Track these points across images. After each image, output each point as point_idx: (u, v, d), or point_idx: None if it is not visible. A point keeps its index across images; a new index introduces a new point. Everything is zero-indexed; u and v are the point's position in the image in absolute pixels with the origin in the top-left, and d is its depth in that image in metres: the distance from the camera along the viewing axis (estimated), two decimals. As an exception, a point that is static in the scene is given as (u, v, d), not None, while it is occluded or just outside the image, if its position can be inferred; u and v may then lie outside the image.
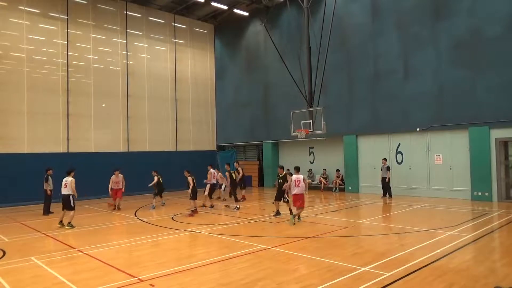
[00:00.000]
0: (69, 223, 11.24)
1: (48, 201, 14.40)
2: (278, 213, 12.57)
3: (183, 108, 24.57)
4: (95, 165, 19.32)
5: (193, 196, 13.30)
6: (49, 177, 14.29)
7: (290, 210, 11.74)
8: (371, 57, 18.44)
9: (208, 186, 15.95)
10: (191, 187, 13.31)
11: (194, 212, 13.31)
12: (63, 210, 11.38)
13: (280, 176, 12.29)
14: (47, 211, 14.38)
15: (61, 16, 19.63)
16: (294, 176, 11.34)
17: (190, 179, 13.47)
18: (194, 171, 14.31)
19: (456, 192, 15.76)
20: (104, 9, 21.24)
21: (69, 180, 11.25)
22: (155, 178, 15.73)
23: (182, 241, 9.54)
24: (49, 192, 14.24)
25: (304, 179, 11.27)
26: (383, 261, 7.03)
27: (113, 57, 21.52)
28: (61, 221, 11.34)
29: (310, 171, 21.63)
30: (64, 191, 11.18)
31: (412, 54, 16.97)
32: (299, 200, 11.19)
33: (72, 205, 11.15)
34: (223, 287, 5.91)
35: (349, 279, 6.09)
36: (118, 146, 21.44)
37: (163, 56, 23.88)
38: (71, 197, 11.15)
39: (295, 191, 11.16)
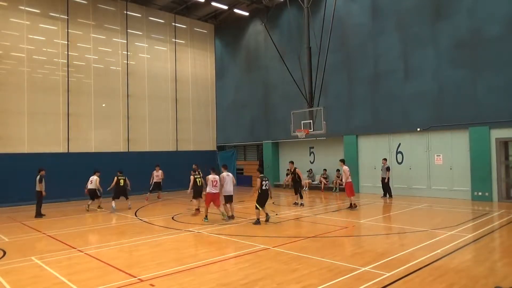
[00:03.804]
0: (99, 206, 15.43)
1: (41, 202, 13.73)
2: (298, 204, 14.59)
3: (183, 108, 24.56)
4: (95, 165, 19.30)
5: (195, 195, 13.62)
6: (43, 178, 13.65)
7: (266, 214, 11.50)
8: (371, 57, 18.44)
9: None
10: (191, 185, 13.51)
11: (196, 211, 13.49)
12: (92, 200, 15.22)
13: (291, 171, 14.07)
14: (39, 214, 13.73)
15: (61, 16, 19.62)
16: (211, 176, 11.85)
17: (192, 178, 13.56)
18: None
19: (456, 192, 15.75)
20: (104, 9, 21.24)
21: (94, 178, 15.18)
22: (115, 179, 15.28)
23: (182, 241, 9.53)
24: (44, 193, 13.56)
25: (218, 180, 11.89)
26: (383, 261, 7.03)
27: (113, 57, 21.52)
28: (99, 206, 15.49)
29: (310, 171, 21.64)
30: (90, 186, 15.15)
31: (412, 54, 16.96)
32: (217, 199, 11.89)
33: (99, 195, 15.26)
34: (223, 287, 5.91)
35: (349, 279, 6.09)
36: (118, 146, 21.44)
37: (163, 56, 23.87)
38: (96, 191, 15.15)
39: (214, 190, 11.72)
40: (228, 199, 12.02)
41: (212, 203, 11.81)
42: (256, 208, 11.23)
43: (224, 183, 11.90)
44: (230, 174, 12.21)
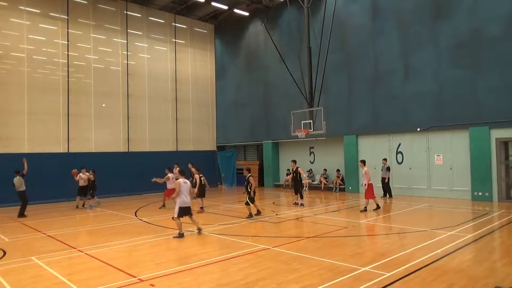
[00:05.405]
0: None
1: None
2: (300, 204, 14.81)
3: (183, 108, 24.54)
4: (95, 165, 19.32)
5: (200, 194, 13.84)
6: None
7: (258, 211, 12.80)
8: (371, 57, 18.44)
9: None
10: (198, 185, 13.64)
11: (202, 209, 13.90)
12: (85, 196, 16.07)
13: (293, 170, 14.94)
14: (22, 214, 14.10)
15: (61, 16, 19.60)
16: (171, 175, 14.28)
17: (197, 176, 13.66)
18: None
19: (456, 192, 15.76)
20: (104, 9, 21.23)
21: (84, 176, 15.81)
22: (91, 177, 16.20)
23: (182, 241, 9.52)
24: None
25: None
26: (383, 261, 7.03)
27: (113, 57, 21.50)
28: (77, 206, 15.86)
29: (310, 171, 21.64)
30: (82, 184, 15.82)
31: (412, 54, 16.96)
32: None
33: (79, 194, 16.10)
34: (223, 287, 5.91)
35: (349, 279, 6.09)
36: (118, 146, 21.42)
37: (163, 56, 23.86)
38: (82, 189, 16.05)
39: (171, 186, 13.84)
40: (185, 211, 9.73)
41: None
42: (248, 204, 12.43)
43: (180, 191, 9.64)
44: (188, 182, 10.01)
